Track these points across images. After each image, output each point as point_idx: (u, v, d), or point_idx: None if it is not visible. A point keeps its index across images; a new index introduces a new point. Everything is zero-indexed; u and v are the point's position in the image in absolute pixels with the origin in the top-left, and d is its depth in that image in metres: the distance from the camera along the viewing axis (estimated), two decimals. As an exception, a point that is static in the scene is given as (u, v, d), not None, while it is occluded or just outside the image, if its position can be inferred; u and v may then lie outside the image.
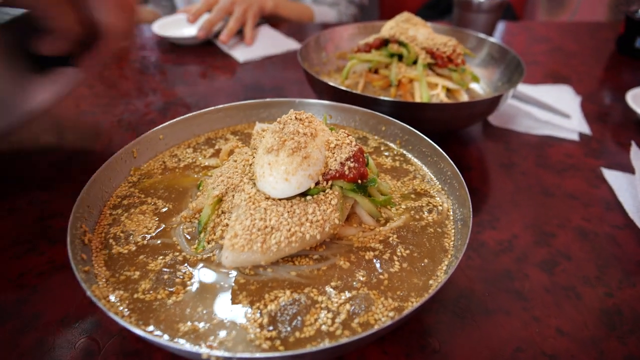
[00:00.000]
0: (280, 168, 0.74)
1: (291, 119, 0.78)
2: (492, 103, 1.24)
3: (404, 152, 1.04)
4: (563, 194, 1.20)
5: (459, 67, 1.35)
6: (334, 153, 0.79)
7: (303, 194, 0.77)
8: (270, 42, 2.11)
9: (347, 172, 0.78)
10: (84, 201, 0.83)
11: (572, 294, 0.92)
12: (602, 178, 1.27)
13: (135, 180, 0.96)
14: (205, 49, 2.06)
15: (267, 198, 0.76)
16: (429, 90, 1.32)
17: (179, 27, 2.13)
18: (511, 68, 1.44)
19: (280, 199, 0.76)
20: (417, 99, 1.31)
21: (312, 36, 1.57)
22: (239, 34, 2.15)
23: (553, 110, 1.54)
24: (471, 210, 0.78)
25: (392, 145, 1.07)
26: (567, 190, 1.22)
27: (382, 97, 1.18)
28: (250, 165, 0.84)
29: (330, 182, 0.78)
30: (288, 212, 0.74)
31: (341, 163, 0.78)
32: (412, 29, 1.38)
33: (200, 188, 0.91)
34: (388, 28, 1.42)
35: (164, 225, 0.84)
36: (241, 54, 1.99)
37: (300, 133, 0.76)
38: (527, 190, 1.21)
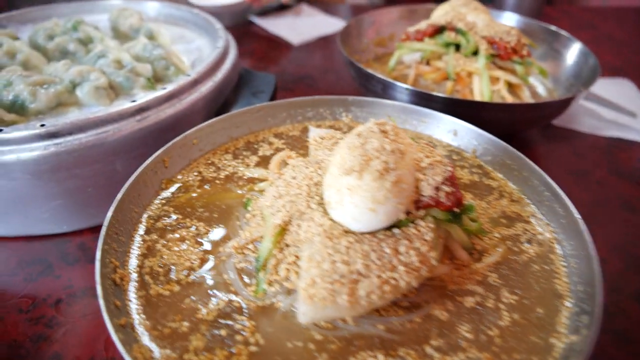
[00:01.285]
0: (365, 195, 0.59)
1: (374, 132, 0.62)
2: (564, 104, 1.09)
3: (482, 163, 0.89)
4: (648, 208, 1.06)
5: (524, 59, 1.19)
6: (425, 174, 0.64)
7: (389, 226, 0.62)
8: (317, 22, 1.96)
9: (443, 199, 0.62)
10: (112, 228, 0.68)
11: (684, 335, 0.78)
12: (686, 189, 1.12)
13: (168, 195, 0.80)
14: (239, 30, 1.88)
15: (346, 232, 0.61)
16: (490, 85, 1.16)
17: None
18: (580, 62, 1.28)
19: (362, 233, 0.61)
20: (477, 96, 1.15)
21: (352, 19, 1.39)
22: (280, 14, 1.98)
23: (617, 109, 1.38)
24: (594, 254, 0.63)
25: (466, 154, 0.91)
26: (652, 204, 1.07)
27: (436, 94, 1.03)
28: (316, 185, 0.68)
29: (422, 212, 0.63)
30: (375, 251, 0.58)
31: (436, 188, 0.63)
32: (471, 15, 1.21)
33: (249, 208, 0.75)
34: (442, 13, 1.25)
35: (210, 258, 0.69)
36: (293, 36, 1.82)
37: (387, 150, 0.60)
38: (605, 204, 1.07)
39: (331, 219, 0.63)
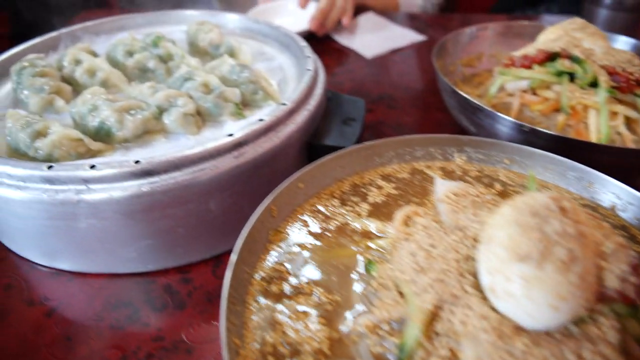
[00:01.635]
0: (545, 289, 0.49)
1: (552, 211, 0.53)
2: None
3: (626, 223, 0.78)
4: None
5: (648, 92, 1.06)
6: (607, 261, 0.54)
7: (565, 323, 0.52)
8: (387, 33, 1.85)
9: (630, 293, 0.52)
10: (231, 297, 0.60)
11: None
12: None
13: (279, 251, 0.72)
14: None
15: (518, 329, 0.52)
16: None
17: (274, 17, 1.84)
18: None
19: (537, 332, 0.51)
20: (593, 133, 1.04)
21: (448, 35, 1.28)
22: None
23: None
24: None
25: (603, 209, 0.81)
26: None
27: (546, 131, 0.93)
28: (466, 260, 0.59)
29: (602, 306, 0.53)
30: (556, 357, 0.49)
31: (621, 279, 0.53)
32: (587, 41, 1.09)
33: (374, 273, 0.66)
34: (554, 37, 1.13)
35: (340, 336, 0.61)
36: (365, 48, 1.71)
37: (571, 235, 0.51)
38: None
39: (494, 309, 0.53)
